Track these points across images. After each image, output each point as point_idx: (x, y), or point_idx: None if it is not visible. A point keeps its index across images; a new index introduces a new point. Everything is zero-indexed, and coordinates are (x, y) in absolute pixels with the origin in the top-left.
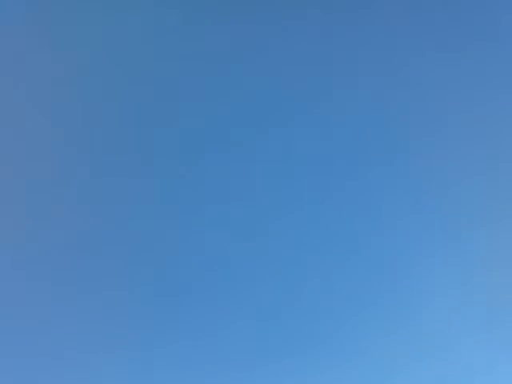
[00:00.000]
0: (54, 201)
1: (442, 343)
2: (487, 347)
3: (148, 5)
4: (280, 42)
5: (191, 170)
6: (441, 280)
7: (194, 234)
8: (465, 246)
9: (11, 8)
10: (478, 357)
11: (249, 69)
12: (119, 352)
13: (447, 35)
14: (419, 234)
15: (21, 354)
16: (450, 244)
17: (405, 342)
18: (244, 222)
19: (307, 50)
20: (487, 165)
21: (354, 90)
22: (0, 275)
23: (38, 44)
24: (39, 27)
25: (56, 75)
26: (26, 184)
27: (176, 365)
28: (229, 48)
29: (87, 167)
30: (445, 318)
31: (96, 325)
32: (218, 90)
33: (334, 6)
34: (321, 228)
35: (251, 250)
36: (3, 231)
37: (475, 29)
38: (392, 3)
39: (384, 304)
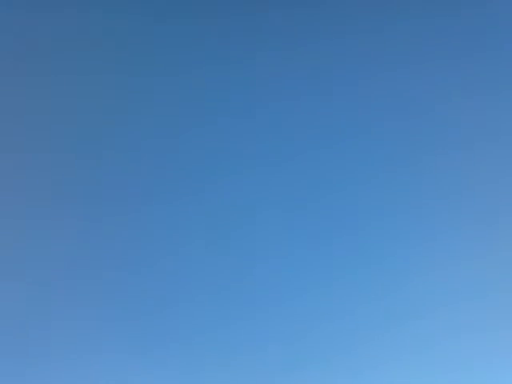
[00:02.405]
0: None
1: (440, 346)
2: (486, 347)
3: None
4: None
5: (194, 174)
6: (440, 281)
7: (194, 236)
8: (464, 244)
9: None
10: (477, 357)
11: (251, 73)
12: (118, 352)
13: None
14: (418, 234)
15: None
16: (448, 244)
17: (403, 343)
18: (244, 221)
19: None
20: (491, 172)
21: (354, 94)
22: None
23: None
24: (39, 27)
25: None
26: (26, 193)
27: (175, 364)
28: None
29: (86, 167)
30: (443, 321)
31: (94, 326)
32: (218, 96)
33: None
34: (320, 230)
35: (250, 248)
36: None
37: (476, 35)
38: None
39: (382, 306)
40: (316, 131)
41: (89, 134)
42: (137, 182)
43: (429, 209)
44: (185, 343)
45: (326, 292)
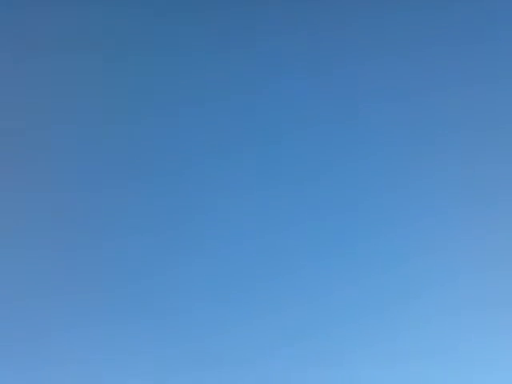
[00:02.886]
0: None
1: (442, 345)
2: (488, 346)
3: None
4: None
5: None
6: (441, 280)
7: (193, 233)
8: (464, 244)
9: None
10: (478, 356)
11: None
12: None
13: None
14: (419, 233)
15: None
16: (448, 243)
17: (405, 342)
18: (244, 219)
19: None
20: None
21: (354, 86)
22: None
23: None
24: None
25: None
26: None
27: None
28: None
29: (84, 168)
30: (445, 320)
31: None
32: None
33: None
34: (321, 229)
35: (250, 247)
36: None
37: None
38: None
39: (385, 304)
40: (315, 123)
41: (88, 134)
42: (137, 182)
43: (428, 191)
44: (183, 342)
45: (325, 288)
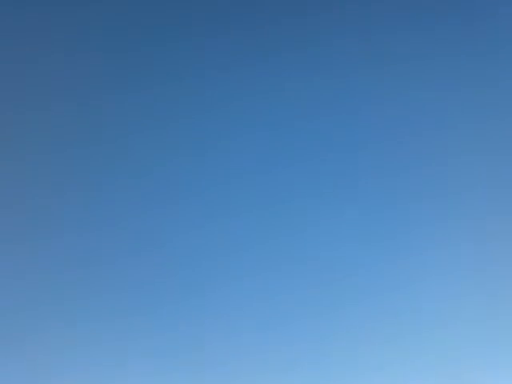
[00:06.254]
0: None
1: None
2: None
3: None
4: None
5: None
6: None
7: (195, 235)
8: (463, 245)
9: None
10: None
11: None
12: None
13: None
14: (422, 235)
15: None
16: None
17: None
18: (246, 228)
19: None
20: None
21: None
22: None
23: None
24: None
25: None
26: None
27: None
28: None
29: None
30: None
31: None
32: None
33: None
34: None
35: (252, 252)
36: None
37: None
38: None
39: (385, 306)
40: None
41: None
42: (140, 187)
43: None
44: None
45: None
